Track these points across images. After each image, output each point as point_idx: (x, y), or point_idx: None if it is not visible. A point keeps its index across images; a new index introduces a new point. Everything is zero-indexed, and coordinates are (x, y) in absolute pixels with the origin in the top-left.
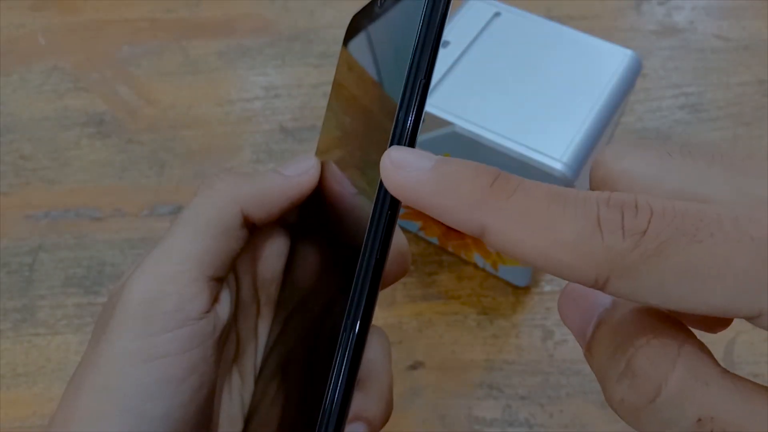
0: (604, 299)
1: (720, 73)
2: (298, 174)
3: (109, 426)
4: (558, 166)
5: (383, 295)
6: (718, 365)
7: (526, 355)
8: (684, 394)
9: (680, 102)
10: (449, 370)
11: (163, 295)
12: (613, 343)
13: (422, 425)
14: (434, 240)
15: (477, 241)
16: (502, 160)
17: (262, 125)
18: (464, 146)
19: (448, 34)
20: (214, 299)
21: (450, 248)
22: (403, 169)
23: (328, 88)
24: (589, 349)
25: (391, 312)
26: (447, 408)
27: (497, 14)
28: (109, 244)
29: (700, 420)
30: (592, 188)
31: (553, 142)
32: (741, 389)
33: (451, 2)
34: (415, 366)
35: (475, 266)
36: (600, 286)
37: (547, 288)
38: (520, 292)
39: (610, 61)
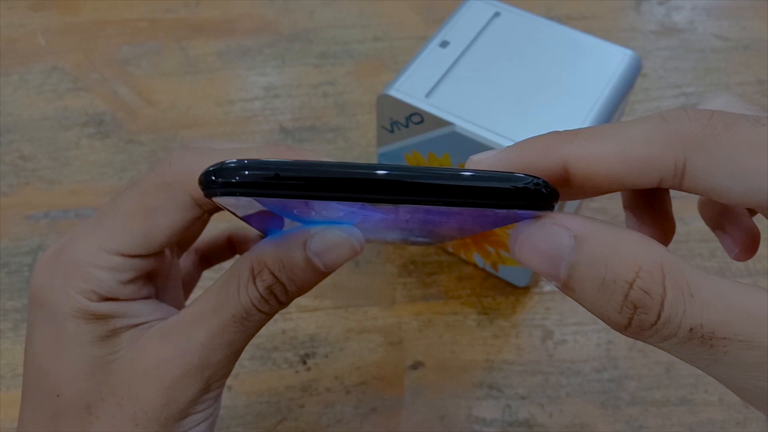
0: (566, 241)
1: (720, 73)
2: (332, 265)
3: None
4: None
5: (383, 296)
6: (696, 270)
7: (526, 355)
8: (677, 311)
9: (680, 102)
10: (449, 370)
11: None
12: (599, 281)
13: (422, 425)
14: None
15: (477, 241)
16: None
17: (261, 125)
18: (464, 146)
19: (447, 33)
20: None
21: (450, 248)
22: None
23: (328, 88)
24: (567, 286)
25: (391, 312)
26: (447, 408)
27: (497, 14)
28: None
29: (692, 329)
30: None
31: None
32: (721, 292)
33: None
34: (415, 366)
35: (475, 266)
36: (679, 172)
37: (547, 288)
38: (520, 292)
39: (610, 61)
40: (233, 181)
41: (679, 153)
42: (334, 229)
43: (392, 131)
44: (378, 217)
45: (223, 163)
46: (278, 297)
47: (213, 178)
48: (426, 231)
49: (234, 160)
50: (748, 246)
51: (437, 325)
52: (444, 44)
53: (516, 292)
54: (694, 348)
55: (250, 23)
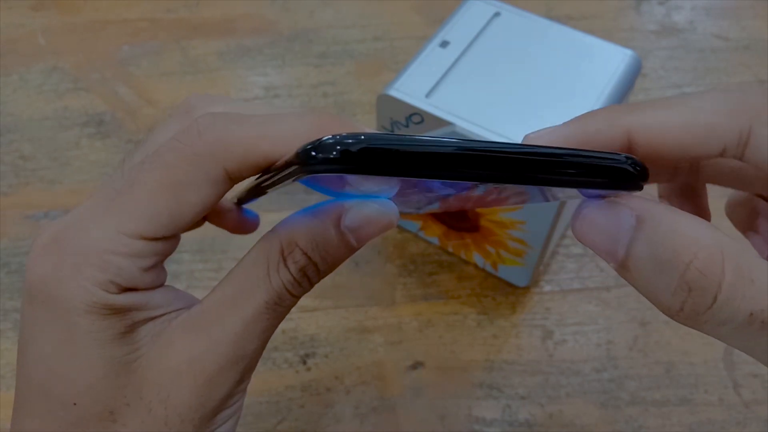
0: (627, 220)
1: (720, 73)
2: (363, 240)
3: None
4: None
5: (383, 296)
6: (759, 259)
7: (526, 355)
8: (735, 295)
9: None
10: (449, 370)
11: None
12: (657, 260)
13: (422, 425)
14: (434, 240)
15: (477, 241)
16: None
17: None
18: None
19: (447, 33)
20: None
21: (450, 248)
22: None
23: (328, 88)
24: (625, 266)
25: (391, 312)
26: (447, 408)
27: (497, 14)
28: None
29: (751, 314)
30: None
31: None
32: None
33: None
34: (415, 366)
35: (475, 266)
36: (743, 141)
37: (547, 288)
38: (520, 292)
39: (610, 61)
40: (350, 157)
41: (744, 122)
42: (371, 203)
43: (392, 131)
44: (437, 194)
45: (338, 136)
46: (310, 278)
47: (316, 153)
48: (456, 203)
49: (348, 134)
50: None
51: (437, 325)
52: (444, 44)
53: (516, 292)
54: (753, 334)
55: (250, 23)
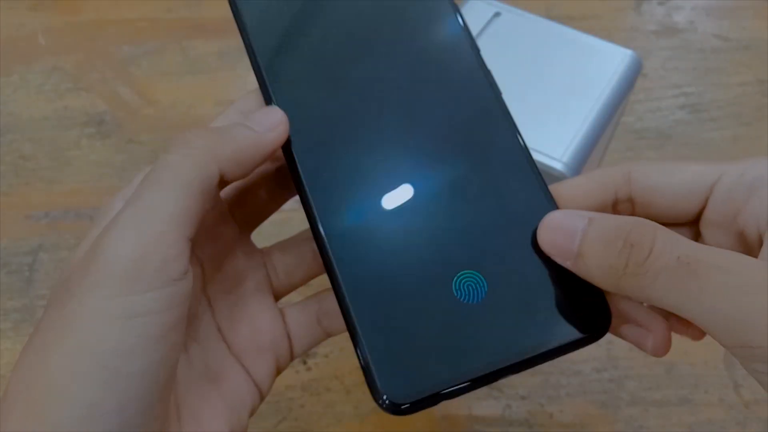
0: (582, 221)
1: (720, 73)
2: (269, 129)
3: (86, 384)
4: (558, 165)
5: None
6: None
7: None
8: (666, 244)
9: (680, 102)
10: None
11: (147, 254)
12: (605, 238)
13: (422, 425)
14: None
15: None
16: None
17: None
18: None
19: None
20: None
21: None
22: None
23: None
24: (580, 253)
25: None
26: (447, 408)
27: (497, 14)
28: None
29: (679, 258)
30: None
31: (553, 142)
32: (702, 245)
33: None
34: None
35: None
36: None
37: None
38: None
39: (610, 61)
40: None
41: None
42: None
43: None
44: None
45: None
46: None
47: None
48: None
49: None
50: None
51: None
52: None
53: None
54: (682, 279)
55: None
